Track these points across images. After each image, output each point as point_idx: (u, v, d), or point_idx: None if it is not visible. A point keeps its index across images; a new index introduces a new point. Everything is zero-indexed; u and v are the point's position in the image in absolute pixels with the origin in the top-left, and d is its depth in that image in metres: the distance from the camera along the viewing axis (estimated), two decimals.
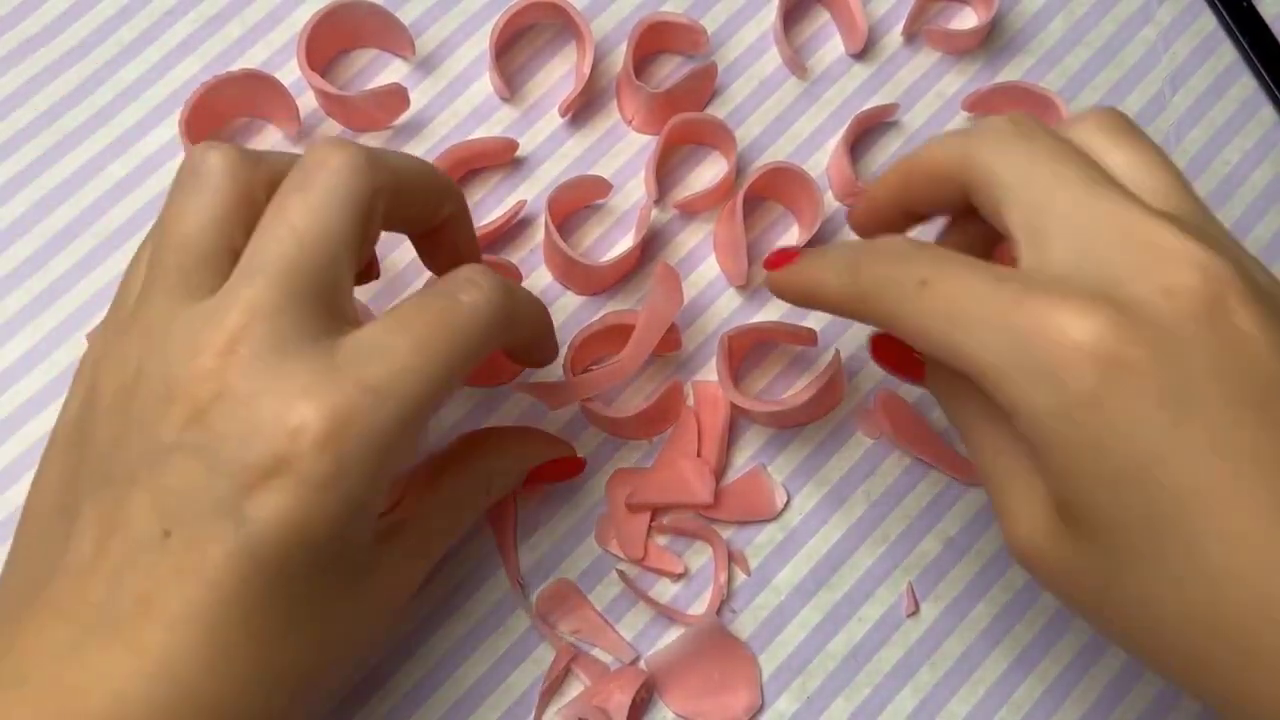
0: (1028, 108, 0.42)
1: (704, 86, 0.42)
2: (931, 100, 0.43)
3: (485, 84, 0.42)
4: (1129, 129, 0.30)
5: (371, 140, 0.41)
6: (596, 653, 0.37)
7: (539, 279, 0.40)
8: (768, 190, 0.41)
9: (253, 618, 0.27)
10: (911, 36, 0.44)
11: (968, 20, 0.44)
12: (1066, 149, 0.28)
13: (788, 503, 0.39)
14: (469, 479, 0.35)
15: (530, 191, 0.41)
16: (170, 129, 0.40)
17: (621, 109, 0.42)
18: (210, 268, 0.28)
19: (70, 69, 0.41)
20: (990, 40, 0.44)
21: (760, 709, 0.37)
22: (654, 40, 0.42)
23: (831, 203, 0.42)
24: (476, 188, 0.41)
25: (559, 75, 0.42)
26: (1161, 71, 0.44)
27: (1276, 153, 0.43)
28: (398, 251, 0.40)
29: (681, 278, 0.38)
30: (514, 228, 0.41)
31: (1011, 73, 0.43)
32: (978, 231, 0.31)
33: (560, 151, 0.42)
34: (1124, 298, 0.25)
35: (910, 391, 0.40)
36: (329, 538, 0.27)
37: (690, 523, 0.38)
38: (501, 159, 0.41)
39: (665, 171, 0.42)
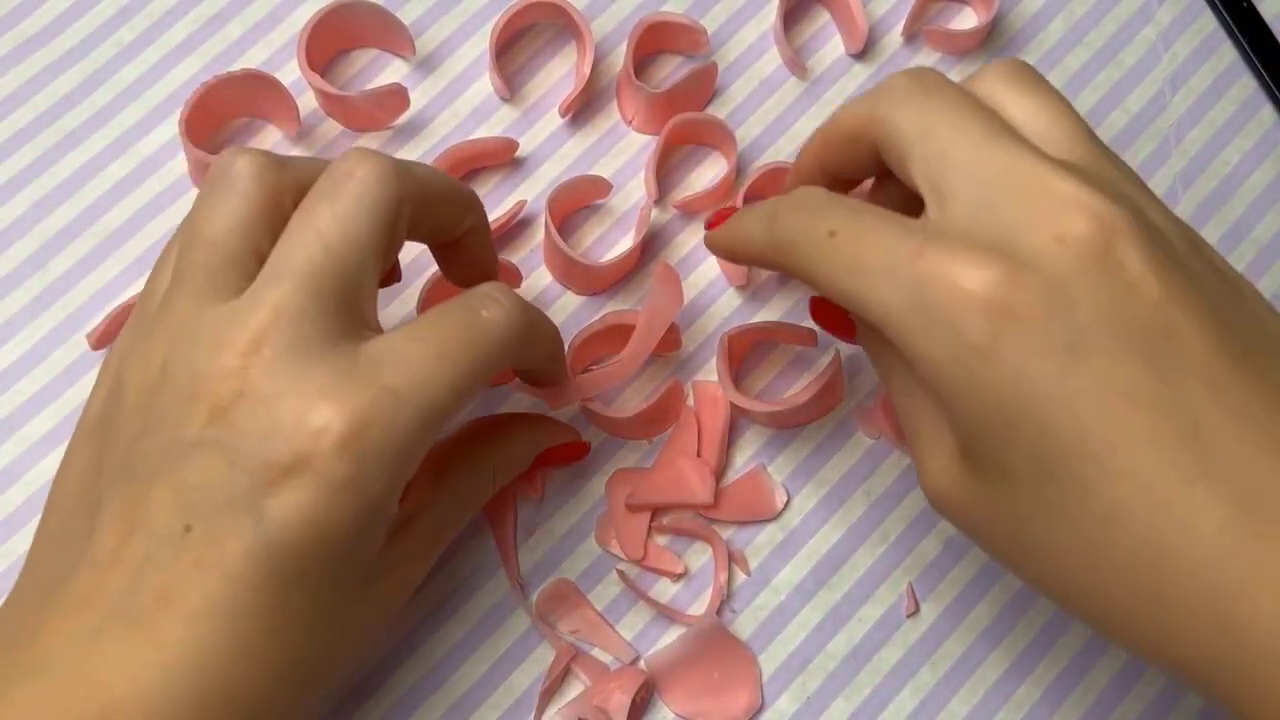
0: None
1: (704, 86, 0.42)
2: None
3: (485, 84, 0.42)
4: (1032, 79, 0.30)
5: (371, 140, 0.41)
6: (596, 653, 0.37)
7: (539, 279, 0.40)
8: (768, 190, 0.41)
9: (269, 613, 0.27)
10: (911, 37, 0.44)
11: (968, 20, 0.44)
12: (967, 101, 0.28)
13: (788, 503, 0.39)
14: (475, 473, 0.35)
15: (530, 191, 0.41)
16: (170, 129, 0.40)
17: (621, 109, 0.42)
18: (236, 269, 0.29)
19: (70, 69, 0.41)
20: (990, 40, 0.44)
21: (760, 709, 0.37)
22: (654, 40, 0.42)
23: None
24: (476, 188, 0.41)
25: (559, 75, 0.42)
26: (1161, 71, 0.44)
27: (1276, 153, 0.43)
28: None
29: (681, 278, 0.38)
30: (514, 228, 0.41)
31: None
32: (899, 192, 0.31)
33: (560, 151, 0.42)
34: (1019, 247, 0.26)
35: None
36: (345, 538, 0.28)
37: (690, 523, 0.38)
38: (501, 159, 0.41)
39: (665, 171, 0.42)
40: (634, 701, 0.36)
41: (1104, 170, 0.28)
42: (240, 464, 0.27)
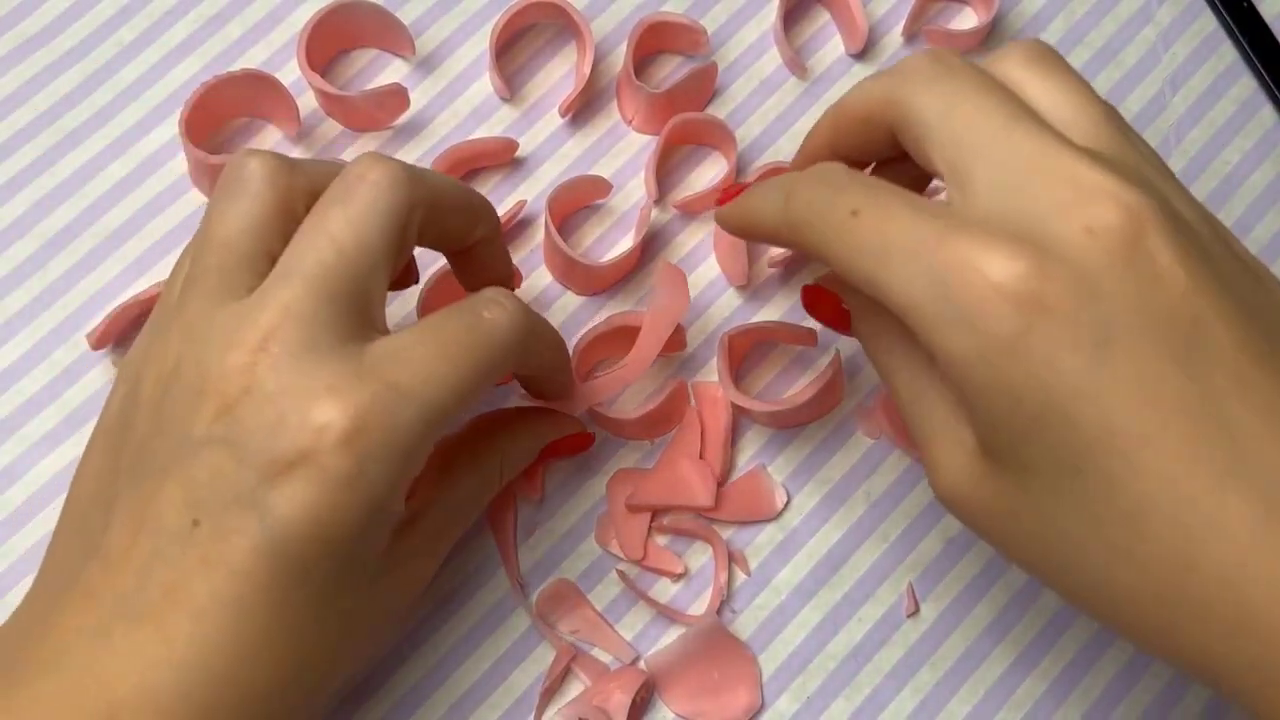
0: None
1: (704, 86, 0.42)
2: None
3: (485, 84, 0.42)
4: (1054, 61, 0.29)
5: (371, 140, 0.41)
6: (596, 653, 0.37)
7: (539, 279, 0.40)
8: None
9: (276, 610, 0.27)
10: (912, 36, 0.44)
11: (968, 20, 0.44)
12: (989, 83, 0.28)
13: (788, 503, 0.39)
14: (482, 469, 0.35)
15: (530, 191, 0.41)
16: (170, 129, 0.40)
17: (621, 109, 0.42)
18: (248, 270, 0.29)
19: (70, 69, 0.41)
20: (990, 40, 0.44)
21: (760, 709, 0.37)
22: (654, 40, 0.42)
23: None
24: (477, 187, 0.41)
25: (559, 75, 0.42)
26: (1161, 72, 0.44)
27: (1276, 153, 0.43)
28: None
29: None
30: (514, 228, 0.41)
31: None
32: (908, 176, 0.30)
33: (560, 151, 0.42)
34: (1046, 237, 0.25)
35: None
36: (349, 535, 0.28)
37: (690, 523, 0.38)
38: (501, 159, 0.41)
39: (665, 171, 0.42)
40: (634, 701, 0.36)
41: (1128, 157, 0.28)
42: (246, 460, 0.27)
